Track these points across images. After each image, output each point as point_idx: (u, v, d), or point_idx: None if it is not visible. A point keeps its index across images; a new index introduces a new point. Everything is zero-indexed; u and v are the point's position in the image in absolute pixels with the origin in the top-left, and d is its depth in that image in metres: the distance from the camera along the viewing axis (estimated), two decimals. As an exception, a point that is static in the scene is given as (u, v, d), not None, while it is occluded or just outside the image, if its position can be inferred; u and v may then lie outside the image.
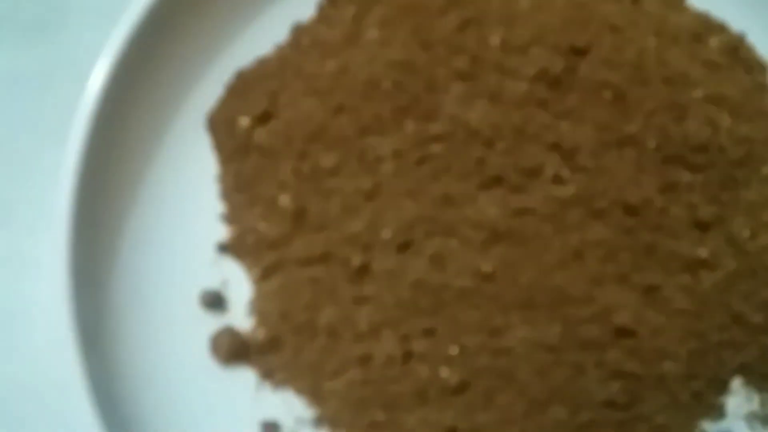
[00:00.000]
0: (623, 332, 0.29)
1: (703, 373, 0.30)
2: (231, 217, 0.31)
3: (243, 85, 0.33)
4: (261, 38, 0.33)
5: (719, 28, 0.34)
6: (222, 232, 0.31)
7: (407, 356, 0.29)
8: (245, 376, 0.30)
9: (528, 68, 0.30)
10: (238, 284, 0.31)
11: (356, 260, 0.29)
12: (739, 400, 0.31)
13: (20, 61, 0.34)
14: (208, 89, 0.32)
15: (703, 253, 0.30)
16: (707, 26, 0.34)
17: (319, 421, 0.30)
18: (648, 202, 0.30)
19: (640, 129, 0.30)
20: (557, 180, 0.30)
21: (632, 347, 0.29)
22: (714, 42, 0.33)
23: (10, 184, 0.33)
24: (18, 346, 0.32)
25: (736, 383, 0.31)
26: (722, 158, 0.31)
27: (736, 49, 0.34)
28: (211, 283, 0.31)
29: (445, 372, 0.29)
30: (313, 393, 0.30)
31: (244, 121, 0.32)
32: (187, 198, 0.31)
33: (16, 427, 0.31)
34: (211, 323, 0.30)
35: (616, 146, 0.30)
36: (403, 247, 0.30)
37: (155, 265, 0.30)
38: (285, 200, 0.31)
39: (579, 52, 0.31)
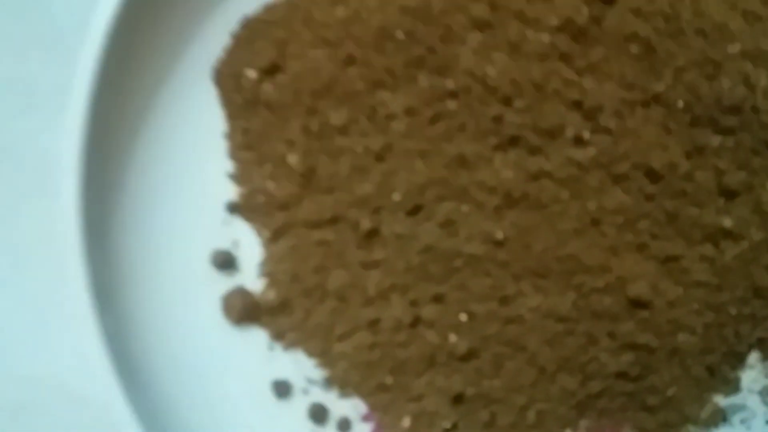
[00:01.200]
0: (638, 303, 0.28)
1: (719, 347, 0.29)
2: (240, 177, 0.31)
3: (250, 34, 0.31)
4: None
5: (766, -27, 0.31)
6: (232, 191, 0.31)
7: (416, 321, 0.29)
8: (257, 336, 0.30)
9: (551, 18, 0.28)
10: (249, 245, 0.30)
11: (365, 224, 0.29)
12: (755, 374, 0.30)
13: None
14: (214, 37, 0.31)
15: (727, 222, 0.28)
16: (752, -30, 0.31)
17: (328, 382, 0.30)
18: (672, 166, 0.28)
19: (668, 87, 0.28)
20: (577, 142, 0.28)
21: (647, 319, 0.28)
22: (758, -12, 0.31)
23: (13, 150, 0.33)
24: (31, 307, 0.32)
25: (753, 357, 0.30)
26: (756, 120, 0.29)
27: (782, -4, 0.31)
28: (222, 243, 0.30)
29: (453, 338, 0.29)
30: (323, 355, 0.30)
31: (252, 74, 0.30)
32: (197, 156, 0.31)
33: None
34: (223, 283, 0.30)
35: (642, 105, 0.28)
36: (414, 210, 0.29)
37: (166, 225, 0.30)
38: (293, 159, 0.30)
39: (607, 2, 0.29)
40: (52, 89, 0.31)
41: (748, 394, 0.30)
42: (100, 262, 0.28)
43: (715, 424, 0.30)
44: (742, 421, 0.30)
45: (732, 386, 0.30)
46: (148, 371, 0.29)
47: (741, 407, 0.30)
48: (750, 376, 0.30)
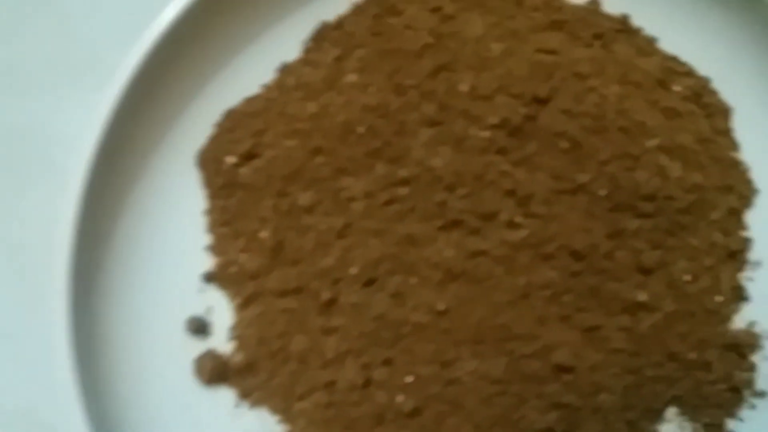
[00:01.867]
0: (562, 368, 0.31)
1: (638, 404, 0.32)
2: (216, 249, 0.35)
3: (231, 124, 0.35)
4: (249, 79, 0.36)
5: (685, 73, 0.35)
6: (208, 262, 0.35)
7: (368, 383, 0.32)
8: (225, 395, 0.33)
9: (491, 116, 0.33)
10: (222, 311, 0.34)
11: (326, 294, 0.32)
12: (672, 428, 0.33)
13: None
14: (199, 128, 0.35)
15: (642, 296, 0.32)
16: (673, 71, 0.35)
17: (290, 437, 0.33)
18: (594, 247, 0.32)
19: (592, 178, 0.32)
20: (511, 225, 0.32)
21: (570, 381, 0.31)
22: (678, 87, 0.35)
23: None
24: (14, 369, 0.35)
25: (671, 412, 0.33)
26: (670, 206, 0.32)
27: (700, 94, 0.35)
28: (197, 309, 0.34)
29: (401, 398, 0.32)
30: (285, 412, 0.33)
31: (231, 159, 0.35)
32: (177, 231, 0.35)
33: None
34: (196, 347, 0.34)
35: (569, 194, 0.32)
36: (368, 283, 0.32)
37: (147, 293, 0.34)
38: (265, 235, 0.34)
39: (541, 101, 0.33)
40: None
41: (666, 446, 0.33)
42: (83, 322, 0.32)
43: (637, 475, 0.33)
44: (662, 471, 0.33)
45: (651, 439, 0.33)
46: (122, 423, 0.32)
47: (660, 458, 0.33)
48: (668, 429, 0.33)
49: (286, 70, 0.36)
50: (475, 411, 0.31)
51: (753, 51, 0.35)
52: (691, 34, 0.35)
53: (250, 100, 0.36)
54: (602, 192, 0.32)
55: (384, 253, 0.32)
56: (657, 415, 0.33)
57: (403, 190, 0.33)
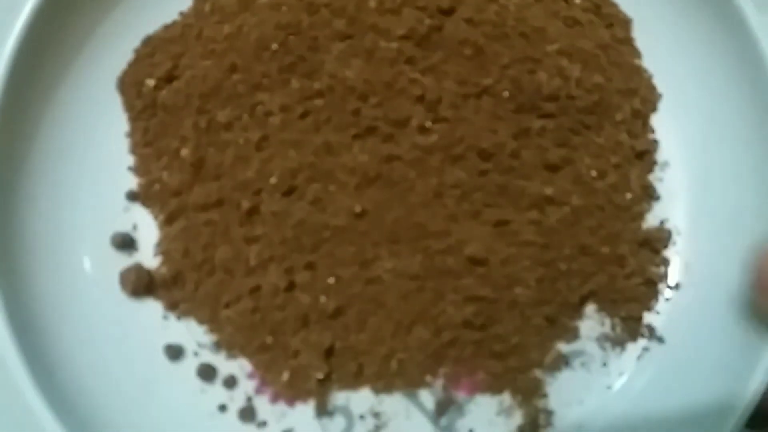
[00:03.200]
0: (476, 261, 0.33)
1: (554, 298, 0.33)
2: (139, 169, 0.35)
3: (150, 50, 0.36)
4: (168, 7, 0.37)
5: (586, -14, 0.37)
6: (132, 182, 0.35)
7: (291, 286, 0.33)
8: (153, 307, 0.34)
9: (399, 28, 0.34)
10: (147, 229, 0.35)
11: (246, 204, 0.33)
12: (592, 323, 0.35)
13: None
14: (122, 55, 0.36)
15: (549, 190, 0.33)
16: (574, -16, 0.37)
17: (217, 345, 0.34)
18: (501, 146, 0.33)
19: (495, 81, 0.33)
20: (421, 130, 0.33)
21: (484, 274, 0.33)
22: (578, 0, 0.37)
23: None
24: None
25: (590, 309, 0.35)
26: (572, 106, 0.34)
27: (599, 6, 0.37)
28: (124, 227, 0.35)
29: (323, 299, 0.33)
30: (212, 321, 0.34)
31: (150, 82, 0.35)
32: (102, 153, 0.35)
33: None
34: (123, 262, 0.34)
35: (475, 97, 0.34)
36: (288, 191, 0.33)
37: (72, 212, 0.34)
38: (185, 152, 0.34)
39: (445, 12, 0.34)
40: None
41: (586, 341, 0.34)
42: (6, 236, 0.33)
43: (558, 368, 0.34)
44: (582, 365, 0.34)
45: (571, 334, 0.34)
46: (47, 335, 0.32)
47: (581, 352, 0.34)
48: (588, 325, 0.34)
49: (202, -3, 0.37)
50: (396, 308, 0.33)
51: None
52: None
53: (168, 27, 0.37)
54: (506, 94, 0.33)
55: (302, 163, 0.33)
56: (575, 311, 0.34)
57: (318, 102, 0.34)
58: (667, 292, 0.35)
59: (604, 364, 0.34)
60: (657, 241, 0.35)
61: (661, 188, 0.36)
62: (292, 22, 0.34)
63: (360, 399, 0.34)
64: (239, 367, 0.34)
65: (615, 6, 0.37)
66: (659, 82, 0.37)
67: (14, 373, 0.31)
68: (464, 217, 0.33)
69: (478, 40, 0.34)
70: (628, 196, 0.35)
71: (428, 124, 0.33)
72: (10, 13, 0.33)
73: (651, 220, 0.36)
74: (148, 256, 0.35)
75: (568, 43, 0.35)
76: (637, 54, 0.37)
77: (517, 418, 0.34)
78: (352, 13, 0.34)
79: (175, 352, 0.34)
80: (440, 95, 0.33)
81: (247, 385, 0.34)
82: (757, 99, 0.34)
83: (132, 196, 0.35)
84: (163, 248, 0.34)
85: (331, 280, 0.33)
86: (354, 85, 0.34)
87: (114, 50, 0.36)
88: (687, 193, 0.36)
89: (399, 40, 0.34)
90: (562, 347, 0.34)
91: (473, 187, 0.33)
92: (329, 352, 0.33)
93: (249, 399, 0.34)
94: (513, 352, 0.33)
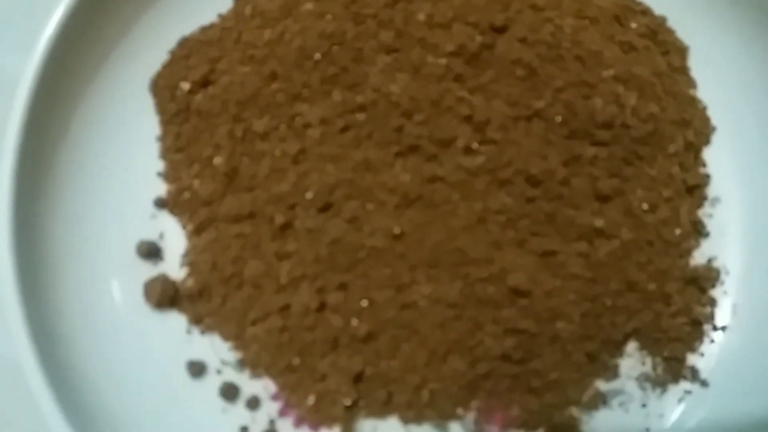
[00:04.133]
0: (518, 292, 0.31)
1: (597, 335, 0.32)
2: (169, 175, 0.34)
3: (186, 52, 0.35)
4: (207, 8, 0.35)
5: (642, 11, 0.36)
6: (161, 188, 0.34)
7: (322, 307, 0.32)
8: (177, 320, 0.33)
9: (448, 44, 0.32)
10: (175, 238, 0.33)
11: (280, 218, 0.32)
12: (632, 362, 0.33)
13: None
14: (155, 55, 0.35)
15: (599, 222, 0.32)
16: (630, 9, 0.35)
17: (241, 363, 0.33)
18: (550, 173, 0.32)
19: (548, 104, 0.32)
20: (467, 151, 0.32)
21: (526, 306, 0.31)
22: (634, 24, 0.35)
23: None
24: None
25: (631, 347, 0.33)
26: (626, 135, 0.32)
27: (656, 32, 0.35)
28: (150, 235, 0.33)
29: (355, 322, 0.31)
30: (237, 338, 0.33)
31: (185, 86, 0.34)
32: (131, 156, 0.34)
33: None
34: (148, 272, 0.33)
35: (525, 120, 0.32)
36: (324, 208, 0.32)
37: (98, 217, 0.33)
38: (219, 161, 0.33)
39: (498, 30, 0.33)
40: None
41: (626, 380, 0.33)
42: (31, 242, 0.31)
43: (596, 407, 0.32)
44: (620, 405, 0.33)
45: (611, 372, 0.33)
46: (73, 350, 0.31)
47: (620, 392, 0.33)
48: (628, 363, 0.33)
49: (242, 0, 0.36)
50: (430, 336, 0.31)
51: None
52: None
53: (205, 29, 0.35)
54: (558, 118, 0.32)
55: (340, 179, 0.32)
56: (617, 348, 0.33)
57: (359, 116, 0.32)
58: (713, 334, 0.34)
59: (644, 406, 0.33)
60: (704, 280, 0.34)
61: (710, 225, 0.35)
62: (337, 31, 0.33)
63: (388, 428, 0.32)
64: (263, 387, 0.33)
65: (672, 33, 0.36)
66: (713, 114, 0.35)
67: (32, 383, 0.29)
68: (508, 245, 0.31)
69: (531, 61, 0.32)
70: (678, 231, 0.33)
71: (475, 145, 0.32)
72: (45, 10, 0.32)
73: (699, 258, 0.34)
74: (174, 267, 0.33)
75: (624, 69, 0.33)
76: (692, 84, 0.36)
77: (552, 457, 0.32)
78: (400, 26, 0.33)
79: (197, 369, 0.32)
80: (489, 116, 0.32)
81: (270, 407, 0.32)
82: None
83: (160, 203, 0.34)
84: (191, 259, 0.33)
85: (365, 303, 0.31)
86: (398, 101, 0.32)
87: (148, 51, 0.35)
88: (737, 231, 0.35)
89: (448, 56, 0.32)
90: (601, 385, 0.33)
91: (519, 214, 0.32)
92: (358, 378, 0.32)
93: (272, 422, 0.32)
94: (550, 388, 0.32)
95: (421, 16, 0.33)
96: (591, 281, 0.32)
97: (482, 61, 0.33)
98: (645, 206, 0.33)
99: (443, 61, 0.32)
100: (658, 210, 0.33)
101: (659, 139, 0.33)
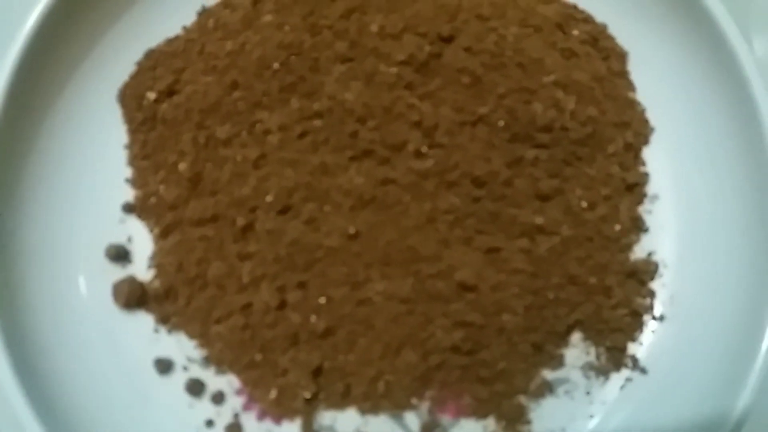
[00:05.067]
0: (465, 286, 0.33)
1: (541, 326, 0.34)
2: (136, 182, 0.36)
3: (152, 63, 0.37)
4: (172, 21, 0.37)
5: (584, 19, 0.38)
6: (129, 194, 0.35)
7: (282, 305, 0.33)
8: (144, 320, 0.34)
9: (399, 54, 0.34)
10: (142, 241, 0.35)
11: (241, 221, 0.34)
12: (577, 352, 0.35)
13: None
14: (123, 67, 0.36)
15: (539, 220, 0.34)
16: (572, 17, 0.37)
17: (206, 360, 0.34)
18: (494, 174, 0.34)
19: (491, 110, 0.34)
20: (417, 154, 0.34)
21: (474, 300, 0.33)
22: (576, 32, 0.37)
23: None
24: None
25: (576, 338, 0.35)
26: (566, 137, 0.34)
27: (597, 38, 0.37)
28: (118, 239, 0.35)
29: (314, 319, 0.33)
30: (202, 336, 0.34)
31: (151, 96, 0.36)
32: (100, 164, 0.36)
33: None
34: (117, 274, 0.35)
35: (470, 125, 0.34)
36: (284, 210, 0.34)
37: (68, 222, 0.35)
38: (183, 167, 0.35)
39: (445, 40, 0.35)
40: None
41: (571, 369, 0.35)
42: (1, 244, 0.33)
43: (542, 395, 0.34)
44: (566, 392, 0.35)
45: (557, 362, 0.35)
46: (37, 344, 0.33)
47: (565, 380, 0.35)
48: (573, 353, 0.35)
49: (206, 12, 0.37)
50: (385, 330, 0.33)
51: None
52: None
53: (171, 41, 0.37)
54: (501, 123, 0.34)
55: (298, 182, 0.34)
56: (561, 339, 0.35)
57: (316, 123, 0.34)
58: (651, 324, 0.36)
59: (588, 393, 0.35)
60: (644, 273, 0.36)
61: (650, 221, 0.37)
62: (295, 42, 0.35)
63: (346, 419, 0.34)
64: (228, 383, 0.34)
65: (612, 39, 0.38)
66: (652, 116, 0.37)
67: (3, 382, 0.31)
68: (456, 242, 0.33)
69: (476, 69, 0.34)
70: (617, 227, 0.35)
71: (424, 149, 0.34)
72: (14, 22, 0.33)
73: (639, 252, 0.36)
74: (141, 269, 0.35)
75: (564, 74, 0.35)
76: (631, 87, 0.38)
77: (501, 443, 0.34)
78: (354, 37, 0.35)
79: (164, 366, 0.34)
80: (437, 121, 0.34)
81: (234, 402, 0.34)
82: (748, 135, 0.35)
83: (128, 208, 0.35)
84: (157, 261, 0.35)
85: (322, 300, 0.33)
86: (353, 108, 0.34)
87: (116, 62, 0.36)
88: (675, 226, 0.37)
89: (399, 65, 0.34)
90: (547, 375, 0.35)
91: (466, 214, 0.33)
92: (317, 372, 0.33)
93: (236, 415, 0.34)
94: (499, 378, 0.34)
95: (374, 27, 0.35)
96: (533, 275, 0.34)
97: (431, 69, 0.35)
98: (584, 204, 0.35)
99: (394, 69, 0.34)
100: (597, 208, 0.35)
101: (598, 140, 0.35)
